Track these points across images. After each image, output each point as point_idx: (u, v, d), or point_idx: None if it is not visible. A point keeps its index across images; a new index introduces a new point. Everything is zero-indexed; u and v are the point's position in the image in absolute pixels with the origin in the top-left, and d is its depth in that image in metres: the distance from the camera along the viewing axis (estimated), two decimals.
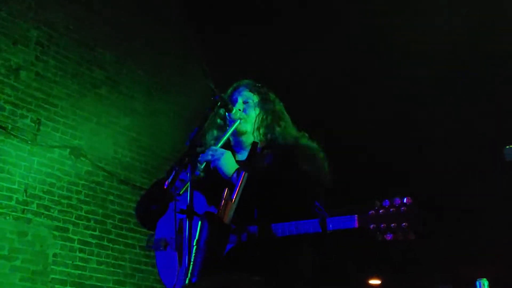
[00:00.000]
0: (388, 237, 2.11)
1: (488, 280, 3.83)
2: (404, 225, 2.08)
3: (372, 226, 2.15)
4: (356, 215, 2.20)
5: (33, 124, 6.04)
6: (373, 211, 2.17)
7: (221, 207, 2.30)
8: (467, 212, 7.08)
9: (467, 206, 7.05)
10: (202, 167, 2.45)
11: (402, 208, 2.10)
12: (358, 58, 6.81)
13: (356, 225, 2.19)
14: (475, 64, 6.41)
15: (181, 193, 2.32)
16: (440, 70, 6.68)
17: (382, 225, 2.13)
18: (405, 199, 2.13)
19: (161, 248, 2.60)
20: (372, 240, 2.17)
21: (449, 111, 6.84)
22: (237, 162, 2.52)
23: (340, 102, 6.93)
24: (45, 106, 6.19)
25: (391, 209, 2.13)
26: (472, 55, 6.35)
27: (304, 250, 2.48)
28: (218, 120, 2.80)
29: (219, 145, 2.55)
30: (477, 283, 3.87)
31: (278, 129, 2.68)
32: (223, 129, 2.76)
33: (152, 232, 2.67)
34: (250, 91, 2.78)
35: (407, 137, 7.04)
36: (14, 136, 5.84)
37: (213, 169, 2.46)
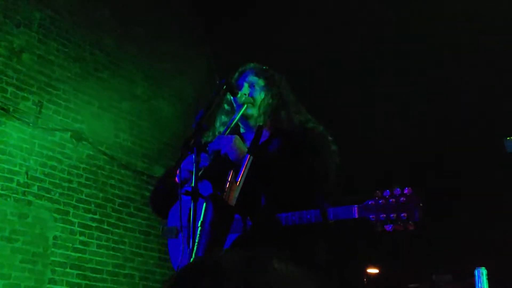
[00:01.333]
0: (388, 227, 2.11)
1: (486, 268, 3.85)
2: (403, 215, 2.08)
3: (371, 216, 2.14)
4: (355, 206, 2.20)
5: (35, 107, 6.04)
6: (373, 202, 2.16)
7: (226, 189, 2.31)
8: (465, 202, 7.10)
9: (466, 195, 7.07)
10: (212, 156, 2.43)
11: (402, 198, 2.10)
12: (359, 47, 6.78)
13: (356, 215, 2.19)
14: (476, 55, 6.40)
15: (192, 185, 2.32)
16: (443, 59, 6.67)
17: (382, 216, 2.12)
18: (405, 190, 2.12)
19: (173, 236, 2.60)
20: (372, 230, 2.17)
21: (452, 99, 6.84)
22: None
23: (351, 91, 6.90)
24: (47, 89, 6.18)
25: (391, 199, 2.12)
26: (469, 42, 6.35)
27: (315, 237, 2.48)
28: (226, 106, 2.79)
29: (228, 131, 2.54)
30: (476, 272, 3.89)
31: (283, 112, 2.67)
32: (230, 114, 2.76)
33: (165, 221, 2.69)
34: (256, 75, 2.77)
35: (406, 126, 7.03)
36: (16, 118, 5.84)
37: (223, 156, 2.44)
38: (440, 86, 6.79)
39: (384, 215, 2.12)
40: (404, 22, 6.41)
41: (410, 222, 2.08)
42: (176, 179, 2.46)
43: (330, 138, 2.58)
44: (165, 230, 2.64)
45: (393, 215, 2.10)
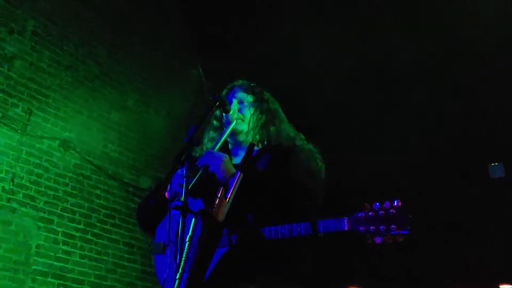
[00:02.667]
0: (377, 240, 2.12)
1: None
2: (393, 227, 2.09)
3: (361, 228, 2.16)
4: (345, 218, 2.21)
5: (24, 114, 6.02)
6: (362, 214, 2.18)
7: (215, 205, 2.33)
8: (447, 225, 7.17)
9: (449, 219, 7.14)
10: (199, 173, 2.44)
11: (391, 211, 2.12)
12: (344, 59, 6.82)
13: (346, 227, 2.20)
14: (467, 78, 6.51)
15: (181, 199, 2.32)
16: (434, 77, 6.76)
17: (372, 228, 2.13)
18: (395, 202, 2.14)
19: (160, 252, 2.60)
20: (361, 242, 2.19)
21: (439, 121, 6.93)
22: (234, 165, 2.52)
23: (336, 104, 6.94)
24: (37, 96, 6.17)
25: (380, 212, 2.14)
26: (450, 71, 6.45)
27: (302, 251, 2.50)
28: (214, 122, 2.82)
29: (217, 147, 2.56)
30: None
31: (272, 128, 2.71)
32: (219, 130, 2.79)
33: (153, 237, 2.68)
34: (245, 91, 2.81)
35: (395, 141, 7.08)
36: (4, 124, 5.81)
37: (211, 173, 2.46)
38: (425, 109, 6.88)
39: (374, 227, 2.13)
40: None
41: (399, 234, 2.10)
42: (166, 194, 2.48)
43: (318, 155, 2.61)
44: (153, 247, 2.63)
45: (383, 227, 2.11)
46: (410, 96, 6.76)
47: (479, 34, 6.04)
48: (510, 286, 8.16)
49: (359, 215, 2.19)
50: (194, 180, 2.30)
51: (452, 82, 6.58)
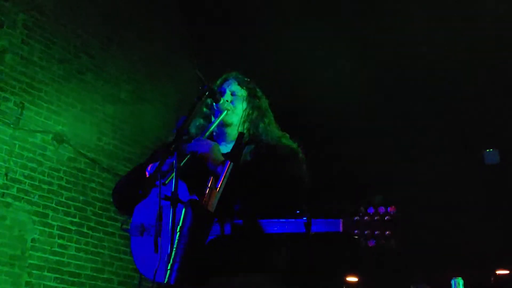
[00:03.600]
0: (371, 243, 2.18)
1: (463, 279, 3.91)
2: (387, 233, 2.15)
3: (356, 231, 2.21)
4: (341, 220, 2.25)
5: (16, 108, 5.98)
6: (358, 217, 2.22)
7: (205, 195, 2.32)
8: (444, 213, 7.18)
9: (445, 207, 7.16)
10: (188, 157, 2.43)
11: (387, 217, 2.17)
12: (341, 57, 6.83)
13: (341, 229, 2.24)
14: (458, 72, 6.50)
15: (166, 182, 2.31)
16: (428, 73, 6.76)
17: (366, 232, 2.19)
18: (389, 208, 2.20)
19: (138, 234, 2.58)
20: (355, 244, 2.23)
21: (433, 112, 6.93)
22: (223, 155, 2.51)
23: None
24: (29, 90, 6.13)
25: (376, 217, 2.19)
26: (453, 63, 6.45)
27: (285, 247, 2.51)
28: (204, 109, 2.80)
29: (206, 135, 2.56)
30: (452, 282, 3.95)
31: (262, 125, 2.71)
32: (208, 119, 2.77)
33: (128, 216, 2.65)
34: (239, 84, 2.80)
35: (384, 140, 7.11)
36: None
37: (199, 159, 2.45)
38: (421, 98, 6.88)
39: (368, 231, 2.19)
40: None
41: (392, 240, 2.16)
42: (147, 173, 2.47)
43: (301, 155, 2.62)
44: (127, 225, 2.61)
45: (377, 232, 2.17)
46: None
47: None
48: (506, 271, 8.21)
49: (355, 218, 2.23)
50: (184, 162, 2.29)
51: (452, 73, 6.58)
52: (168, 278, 2.10)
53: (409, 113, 7.05)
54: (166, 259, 2.12)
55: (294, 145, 2.67)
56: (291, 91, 6.55)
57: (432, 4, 6.25)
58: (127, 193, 2.63)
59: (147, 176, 2.46)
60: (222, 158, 2.42)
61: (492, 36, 6.18)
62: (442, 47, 6.39)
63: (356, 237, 2.21)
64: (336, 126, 7.09)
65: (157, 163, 2.28)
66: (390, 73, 6.76)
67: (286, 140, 2.70)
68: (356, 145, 7.18)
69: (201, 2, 7.66)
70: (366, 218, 2.21)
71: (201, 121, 2.78)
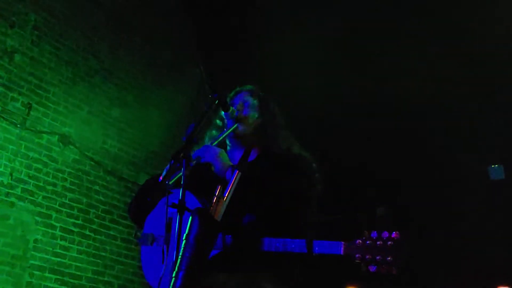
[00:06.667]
0: (372, 268, 2.15)
1: None
2: (389, 259, 2.13)
3: (357, 255, 2.19)
4: (342, 242, 2.24)
5: (24, 108, 6.01)
6: (360, 241, 2.21)
7: (213, 204, 2.32)
8: (445, 228, 7.17)
9: (446, 222, 7.14)
10: (194, 162, 2.44)
11: (389, 243, 2.15)
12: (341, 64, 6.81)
13: (342, 252, 2.22)
14: (464, 87, 6.50)
15: (170, 183, 2.32)
16: (430, 84, 6.75)
17: (368, 256, 2.17)
18: (393, 234, 2.17)
19: (148, 243, 2.60)
20: (355, 268, 2.21)
21: (438, 125, 6.92)
22: (232, 166, 2.52)
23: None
24: (37, 91, 6.16)
25: (378, 242, 2.17)
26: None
27: (290, 267, 2.49)
28: (218, 121, 2.82)
29: (215, 143, 2.57)
30: None
31: (273, 135, 2.71)
32: (220, 129, 2.79)
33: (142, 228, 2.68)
34: (252, 96, 2.81)
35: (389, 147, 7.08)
36: (4, 118, 5.80)
37: (206, 166, 2.46)
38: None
39: (370, 256, 2.16)
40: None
41: (394, 266, 2.13)
42: (159, 179, 2.48)
43: (314, 165, 2.61)
44: (138, 235, 2.63)
45: (379, 258, 2.15)
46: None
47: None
48: None
49: (357, 242, 2.21)
50: (190, 167, 2.29)
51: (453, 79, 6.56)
52: (173, 285, 2.10)
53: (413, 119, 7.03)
54: (171, 266, 2.13)
55: (306, 154, 2.67)
56: (304, 96, 6.54)
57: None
58: (140, 203, 2.65)
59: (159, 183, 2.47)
60: (229, 162, 2.43)
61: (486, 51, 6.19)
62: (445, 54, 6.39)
63: (357, 261, 2.19)
64: (337, 134, 7.08)
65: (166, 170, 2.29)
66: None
67: (298, 150, 2.69)
68: (357, 152, 7.17)
69: (208, 9, 7.67)
70: (368, 242, 2.19)
71: (214, 132, 2.79)
